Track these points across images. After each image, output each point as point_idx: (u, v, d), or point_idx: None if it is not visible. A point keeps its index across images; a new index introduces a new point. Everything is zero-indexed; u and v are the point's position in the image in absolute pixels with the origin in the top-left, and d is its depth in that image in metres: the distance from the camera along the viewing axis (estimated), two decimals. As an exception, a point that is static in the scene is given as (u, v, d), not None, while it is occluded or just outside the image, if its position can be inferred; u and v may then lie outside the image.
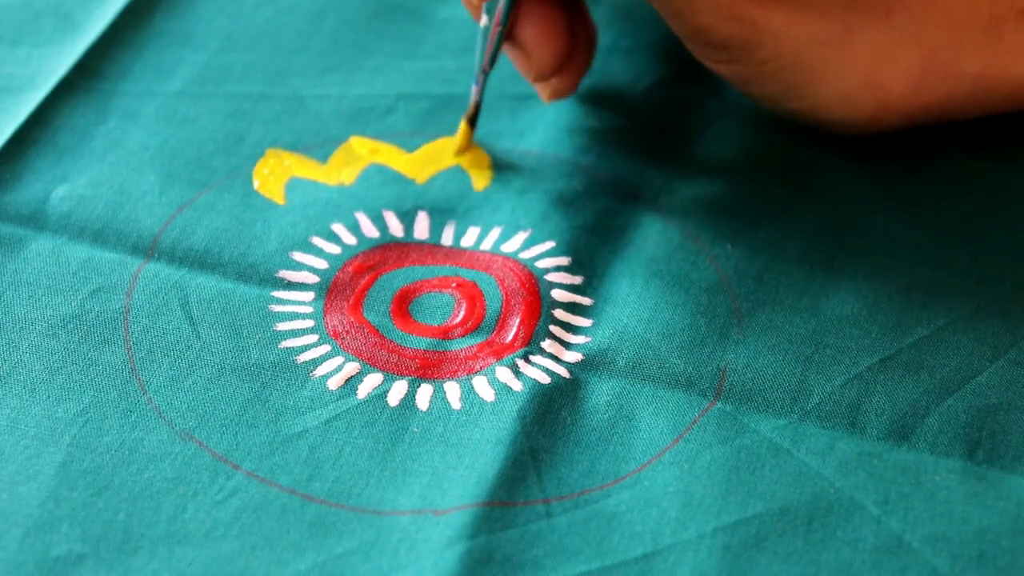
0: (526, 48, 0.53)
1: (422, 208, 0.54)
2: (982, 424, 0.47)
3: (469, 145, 0.56)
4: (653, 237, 0.53)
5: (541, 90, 0.55)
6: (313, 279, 0.51)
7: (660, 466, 0.46)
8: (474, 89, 0.55)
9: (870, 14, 0.51)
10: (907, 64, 0.52)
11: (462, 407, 0.48)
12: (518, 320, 0.50)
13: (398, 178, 0.55)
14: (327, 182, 0.55)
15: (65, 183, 0.54)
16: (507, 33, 0.53)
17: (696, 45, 0.52)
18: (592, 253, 0.52)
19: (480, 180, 0.55)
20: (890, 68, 0.52)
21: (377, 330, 0.50)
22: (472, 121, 0.55)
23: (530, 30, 0.53)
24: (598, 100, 0.58)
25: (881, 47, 0.51)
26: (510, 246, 0.53)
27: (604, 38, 0.60)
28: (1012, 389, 0.48)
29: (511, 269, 0.52)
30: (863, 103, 0.52)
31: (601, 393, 0.48)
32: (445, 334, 0.50)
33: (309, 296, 0.51)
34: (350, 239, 0.53)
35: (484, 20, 0.53)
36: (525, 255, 0.52)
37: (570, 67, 0.54)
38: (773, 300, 0.51)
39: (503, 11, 0.52)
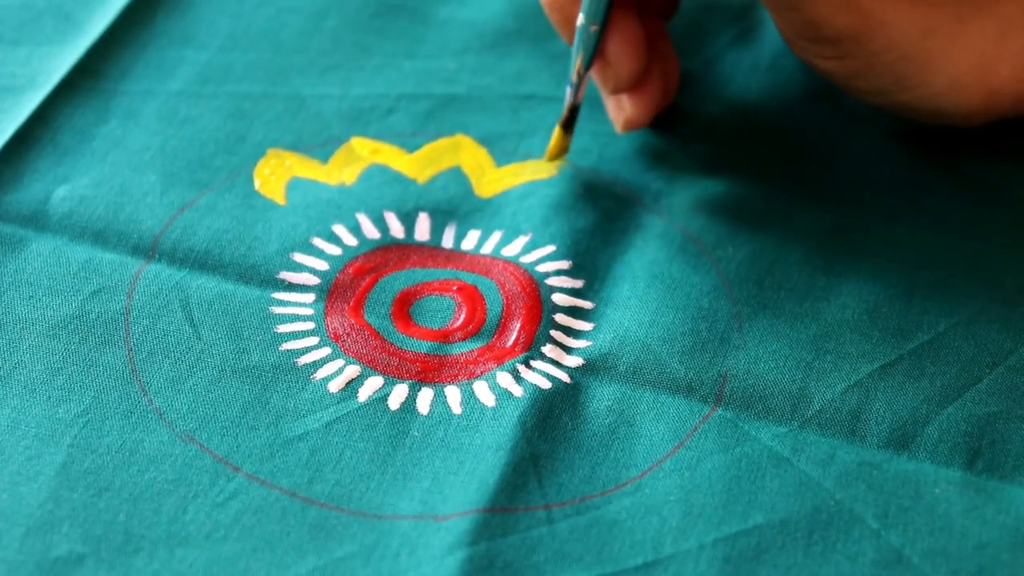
0: (607, 58, 0.53)
1: (423, 209, 0.54)
2: (982, 433, 0.47)
3: (563, 152, 0.55)
4: (654, 240, 0.53)
5: (616, 118, 0.55)
6: (314, 281, 0.51)
7: (661, 473, 0.46)
8: (568, 92, 0.54)
9: (981, 3, 0.51)
10: (1015, 49, 0.52)
11: (463, 412, 0.48)
12: (519, 324, 0.50)
13: (399, 178, 0.55)
14: (328, 182, 0.55)
15: (66, 183, 0.53)
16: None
17: (807, 41, 0.51)
18: (593, 256, 0.52)
19: (484, 190, 0.55)
20: (999, 54, 0.52)
21: (378, 333, 0.50)
22: (567, 126, 0.54)
23: (614, 39, 0.53)
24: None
25: (990, 35, 0.52)
26: (511, 250, 0.53)
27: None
28: (1012, 397, 0.48)
29: (512, 273, 0.52)
30: (974, 90, 0.52)
31: (602, 398, 0.48)
32: (445, 338, 0.50)
33: (310, 298, 0.51)
34: (351, 240, 0.53)
35: (580, 19, 0.52)
36: (526, 259, 0.52)
37: (645, 92, 0.54)
38: (774, 304, 0.51)
39: (604, 9, 0.51)
